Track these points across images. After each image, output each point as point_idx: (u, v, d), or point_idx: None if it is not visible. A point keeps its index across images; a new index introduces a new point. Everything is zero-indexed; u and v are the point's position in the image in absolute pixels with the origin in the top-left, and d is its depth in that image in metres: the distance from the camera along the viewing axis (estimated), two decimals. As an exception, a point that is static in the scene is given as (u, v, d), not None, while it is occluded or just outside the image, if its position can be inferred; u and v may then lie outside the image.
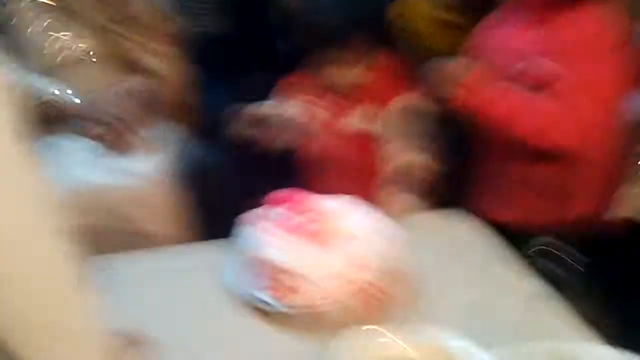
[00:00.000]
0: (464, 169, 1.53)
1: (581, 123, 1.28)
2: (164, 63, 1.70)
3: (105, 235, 1.54)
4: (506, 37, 1.41)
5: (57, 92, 1.60)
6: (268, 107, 1.47)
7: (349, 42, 1.39)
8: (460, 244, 1.32)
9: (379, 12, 1.50)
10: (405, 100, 1.45)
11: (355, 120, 1.47)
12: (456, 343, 0.91)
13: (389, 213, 1.25)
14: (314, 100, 1.48)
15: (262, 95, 1.50)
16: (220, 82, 1.72)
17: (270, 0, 1.59)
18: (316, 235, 1.11)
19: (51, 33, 1.61)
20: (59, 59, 1.61)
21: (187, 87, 1.73)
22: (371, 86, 1.46)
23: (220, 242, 1.28)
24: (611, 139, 1.38)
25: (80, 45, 1.62)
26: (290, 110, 1.47)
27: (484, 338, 0.93)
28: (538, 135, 1.32)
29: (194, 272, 1.23)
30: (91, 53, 1.63)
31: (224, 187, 1.64)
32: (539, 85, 1.32)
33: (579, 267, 1.42)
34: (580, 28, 1.31)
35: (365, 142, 1.46)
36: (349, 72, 1.44)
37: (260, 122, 1.44)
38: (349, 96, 1.47)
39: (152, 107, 1.72)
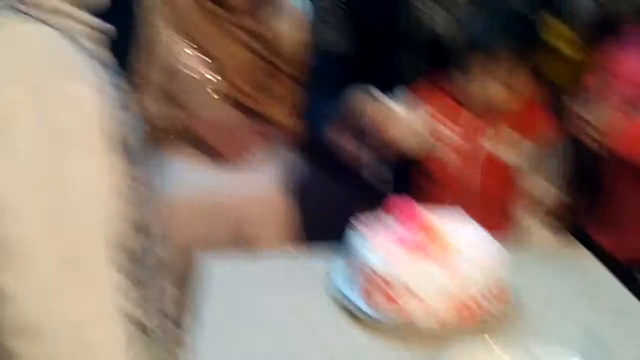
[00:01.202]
0: (591, 202, 1.46)
1: None
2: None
3: (214, 238, 1.58)
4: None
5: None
6: (389, 108, 1.31)
7: (492, 53, 1.25)
8: (567, 270, 1.27)
9: (529, 28, 1.34)
10: (549, 134, 1.35)
11: (489, 143, 1.35)
12: None
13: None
14: (443, 113, 1.35)
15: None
16: (328, 98, 1.67)
17: (397, 15, 1.49)
18: (421, 248, 1.09)
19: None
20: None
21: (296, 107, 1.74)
22: (511, 109, 1.33)
23: (326, 247, 1.28)
24: None
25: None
26: (412, 118, 1.30)
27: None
28: None
29: (299, 276, 1.24)
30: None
31: (327, 199, 1.62)
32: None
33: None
34: None
35: (496, 169, 1.36)
36: (489, 88, 1.30)
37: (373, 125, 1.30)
38: (485, 115, 1.33)
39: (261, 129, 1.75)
